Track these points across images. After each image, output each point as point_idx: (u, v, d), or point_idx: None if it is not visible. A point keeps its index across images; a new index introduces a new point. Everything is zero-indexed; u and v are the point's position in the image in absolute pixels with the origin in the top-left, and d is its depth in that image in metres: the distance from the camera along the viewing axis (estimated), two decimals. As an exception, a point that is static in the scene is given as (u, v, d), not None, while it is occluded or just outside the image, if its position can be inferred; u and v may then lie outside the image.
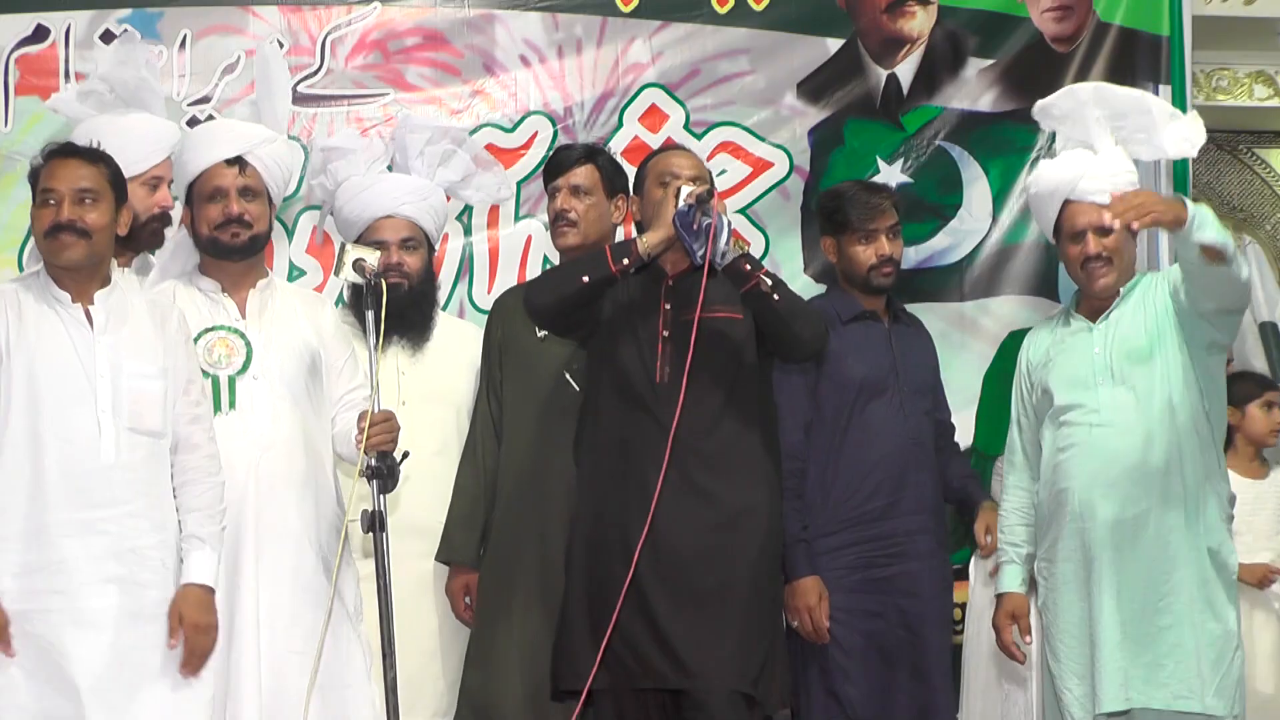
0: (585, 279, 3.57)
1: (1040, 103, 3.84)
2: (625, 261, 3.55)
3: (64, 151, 3.36)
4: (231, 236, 3.56)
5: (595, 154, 4.12)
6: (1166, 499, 3.58)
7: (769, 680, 3.60)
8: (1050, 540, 3.72)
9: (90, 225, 3.28)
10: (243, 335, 3.54)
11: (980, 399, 4.59)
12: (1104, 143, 3.71)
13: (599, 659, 3.49)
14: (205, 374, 3.49)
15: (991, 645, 4.06)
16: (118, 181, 3.36)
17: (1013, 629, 3.79)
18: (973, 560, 4.70)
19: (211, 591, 3.31)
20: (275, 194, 3.66)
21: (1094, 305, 3.75)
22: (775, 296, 3.57)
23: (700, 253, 3.46)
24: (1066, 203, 3.69)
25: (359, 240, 3.95)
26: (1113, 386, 3.65)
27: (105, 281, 3.36)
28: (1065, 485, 3.67)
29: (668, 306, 3.64)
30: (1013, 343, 4.29)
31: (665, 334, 3.62)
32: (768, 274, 3.59)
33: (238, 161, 3.57)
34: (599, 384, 3.71)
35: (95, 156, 3.35)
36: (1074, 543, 3.65)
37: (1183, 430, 3.60)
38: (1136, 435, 3.60)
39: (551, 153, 4.28)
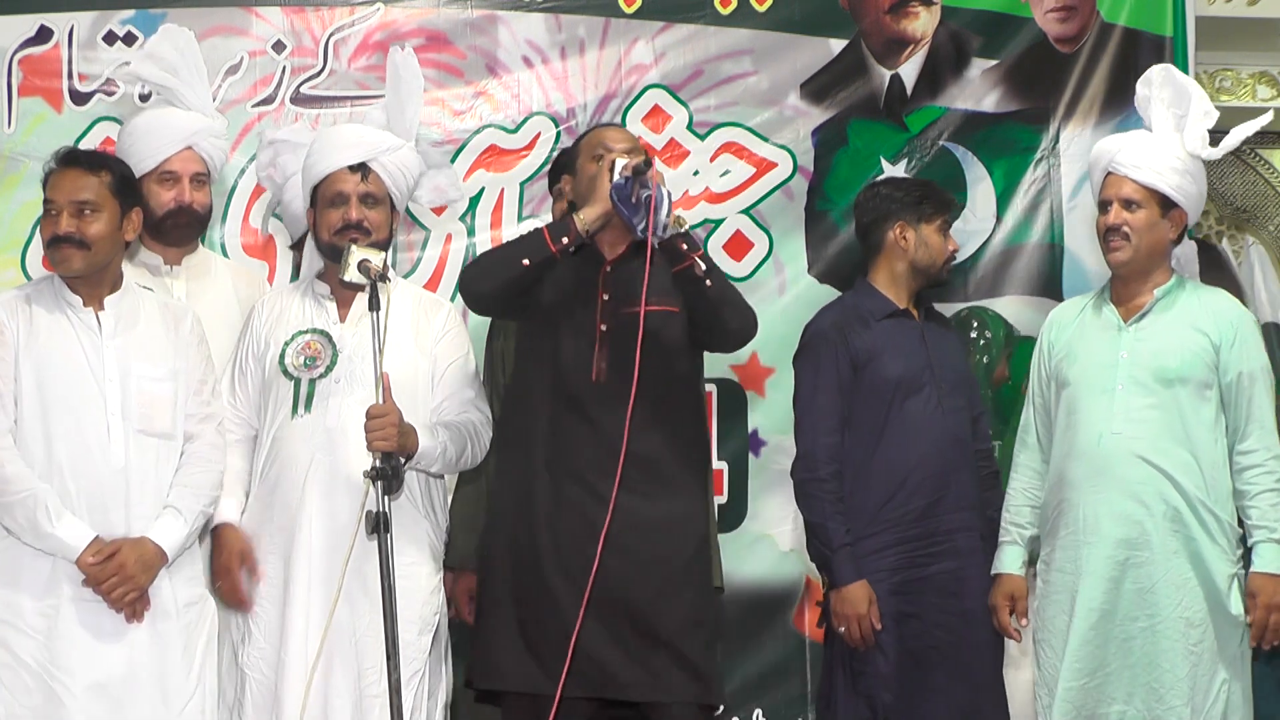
0: (526, 262, 3.46)
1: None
2: (565, 240, 3.44)
3: (66, 160, 3.39)
4: (350, 242, 3.51)
5: None
6: (1173, 524, 3.55)
7: (719, 680, 3.56)
8: (1050, 546, 3.70)
9: (88, 236, 3.31)
10: (332, 340, 3.55)
11: None
12: (1159, 123, 3.72)
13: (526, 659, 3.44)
14: (289, 377, 3.51)
15: None
16: (123, 188, 3.38)
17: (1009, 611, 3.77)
18: None
19: (164, 556, 3.30)
20: (398, 201, 3.64)
21: (1126, 295, 3.71)
22: (708, 282, 3.46)
23: (640, 226, 3.37)
24: (1106, 173, 3.71)
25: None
26: (1133, 397, 3.60)
27: (116, 286, 3.40)
28: (1069, 496, 3.64)
29: (606, 297, 3.53)
30: None
31: (603, 328, 3.50)
32: (704, 257, 3.48)
33: (361, 168, 3.57)
34: (531, 374, 3.58)
35: (97, 164, 3.37)
36: (1070, 554, 3.63)
37: (1201, 456, 3.57)
38: (1150, 453, 3.56)
39: (557, 154, 4.26)
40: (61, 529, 3.21)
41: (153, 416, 3.33)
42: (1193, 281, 3.80)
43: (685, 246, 3.44)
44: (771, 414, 4.81)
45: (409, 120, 3.70)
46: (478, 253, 4.86)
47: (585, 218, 3.46)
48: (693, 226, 4.27)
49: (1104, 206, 3.70)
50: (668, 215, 3.38)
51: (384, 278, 3.40)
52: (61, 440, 3.26)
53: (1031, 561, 3.86)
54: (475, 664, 3.57)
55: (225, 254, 4.75)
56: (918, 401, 3.88)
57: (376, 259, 3.40)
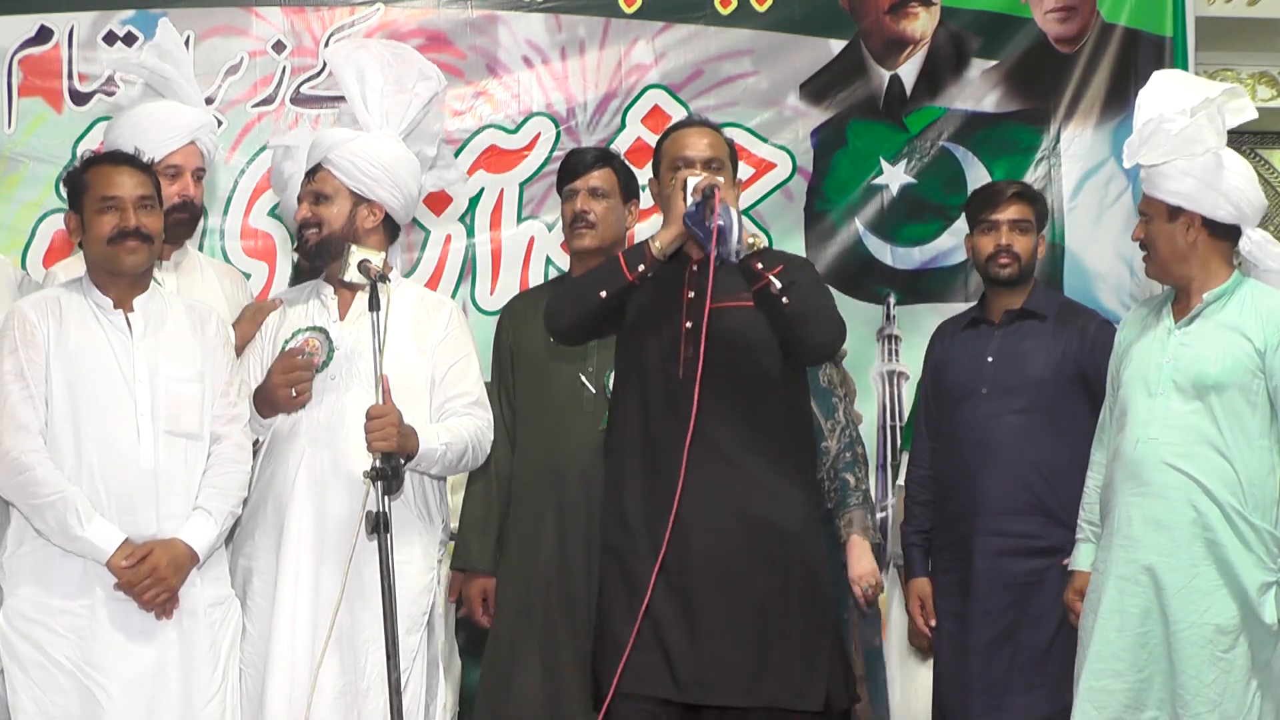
0: (603, 294, 3.46)
1: None
2: (642, 268, 3.44)
3: (117, 159, 3.43)
4: (304, 242, 3.59)
5: (611, 157, 4.13)
6: (1202, 531, 3.51)
7: (823, 684, 3.45)
8: (1099, 547, 3.70)
9: (152, 231, 3.38)
10: (329, 337, 3.55)
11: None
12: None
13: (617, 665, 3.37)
14: None
15: None
16: (160, 189, 3.46)
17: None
18: None
19: (195, 557, 3.32)
20: (368, 190, 3.57)
21: (1181, 297, 3.66)
22: (785, 300, 3.42)
23: (716, 253, 3.36)
24: None
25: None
26: (1174, 402, 3.55)
27: (144, 287, 3.44)
28: (1109, 499, 3.64)
29: (691, 295, 3.51)
30: None
31: (688, 325, 3.49)
32: (780, 274, 3.44)
33: (313, 170, 3.60)
34: (625, 380, 3.60)
35: (143, 165, 3.43)
36: (1102, 555, 3.64)
37: (1240, 464, 3.51)
38: (1180, 460, 3.52)
39: (565, 155, 4.25)
40: (91, 531, 3.22)
41: (180, 417, 3.35)
42: (1253, 282, 3.67)
43: (760, 266, 3.42)
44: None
45: (372, 111, 3.66)
46: (476, 253, 4.88)
47: (661, 242, 3.45)
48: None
49: None
50: (739, 240, 3.37)
51: (384, 278, 3.40)
52: (91, 441, 3.28)
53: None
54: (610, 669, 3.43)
55: (225, 255, 4.76)
56: (967, 408, 4.01)
57: (376, 259, 3.40)
